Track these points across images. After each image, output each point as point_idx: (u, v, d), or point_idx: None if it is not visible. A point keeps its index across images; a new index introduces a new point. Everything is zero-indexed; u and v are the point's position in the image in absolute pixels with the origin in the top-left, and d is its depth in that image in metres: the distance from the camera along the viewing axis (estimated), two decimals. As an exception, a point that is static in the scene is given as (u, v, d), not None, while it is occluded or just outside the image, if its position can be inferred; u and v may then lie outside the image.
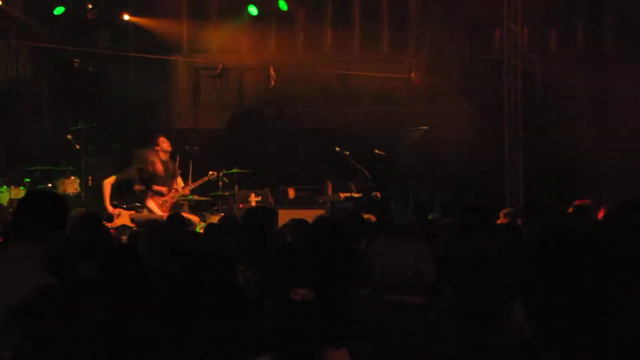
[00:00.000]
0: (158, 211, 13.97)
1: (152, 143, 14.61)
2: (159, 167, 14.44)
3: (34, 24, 17.50)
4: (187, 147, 15.91)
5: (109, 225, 13.29)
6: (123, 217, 13.64)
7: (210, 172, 14.97)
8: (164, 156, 14.60)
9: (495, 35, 18.81)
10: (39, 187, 15.38)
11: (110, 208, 13.60)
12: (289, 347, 4.30)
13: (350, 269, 5.11)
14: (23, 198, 4.55)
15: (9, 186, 14.93)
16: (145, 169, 13.99)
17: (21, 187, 14.93)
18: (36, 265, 4.17)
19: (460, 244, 7.17)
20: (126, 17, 18.47)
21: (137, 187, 13.95)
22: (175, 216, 10.54)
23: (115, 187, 13.97)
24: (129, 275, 5.20)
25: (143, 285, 5.14)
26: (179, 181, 14.75)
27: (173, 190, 14.53)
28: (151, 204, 14.03)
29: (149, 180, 14.02)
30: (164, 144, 14.64)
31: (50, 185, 15.50)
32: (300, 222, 7.89)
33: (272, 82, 18.14)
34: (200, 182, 14.90)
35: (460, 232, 7.50)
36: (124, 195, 13.83)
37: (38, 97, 18.17)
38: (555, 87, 18.57)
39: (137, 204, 13.95)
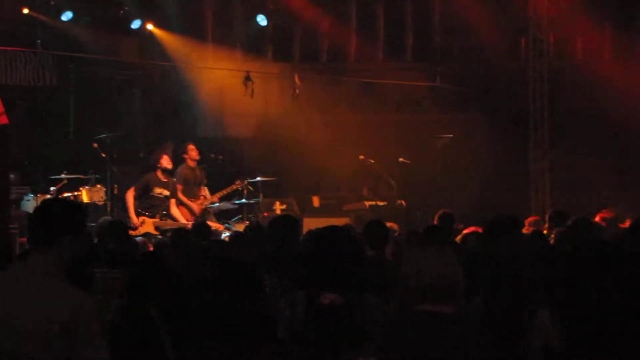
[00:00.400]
0: (182, 219, 13.99)
1: (182, 151, 14.64)
2: (187, 175, 14.47)
3: (60, 32, 17.59)
4: (212, 156, 15.94)
5: (133, 233, 13.30)
6: (147, 225, 13.65)
7: (237, 182, 14.97)
8: (191, 164, 14.63)
9: (521, 42, 18.75)
10: (64, 195, 15.46)
11: (134, 218, 13.62)
12: (314, 351, 4.30)
13: (366, 276, 5.11)
14: (37, 206, 4.57)
15: (35, 194, 14.99)
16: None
17: (47, 195, 14.99)
18: (52, 272, 4.17)
19: (487, 253, 7.13)
20: (150, 26, 18.54)
21: (157, 189, 13.90)
22: (201, 225, 10.56)
23: (138, 196, 13.95)
24: (157, 281, 5.21)
25: (172, 290, 5.17)
26: (206, 190, 14.75)
27: (201, 197, 14.55)
28: (175, 211, 14.04)
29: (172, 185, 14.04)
30: (193, 152, 14.67)
31: (76, 193, 15.56)
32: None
33: (297, 90, 18.13)
34: (226, 191, 14.91)
35: (487, 240, 7.47)
36: (147, 200, 13.80)
37: (64, 106, 18.26)
38: (582, 95, 18.48)
39: (163, 212, 13.94)
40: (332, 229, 5.45)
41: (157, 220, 13.73)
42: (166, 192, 13.83)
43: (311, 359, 4.19)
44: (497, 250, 6.94)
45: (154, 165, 14.16)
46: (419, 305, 4.30)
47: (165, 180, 13.90)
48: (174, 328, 4.94)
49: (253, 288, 4.86)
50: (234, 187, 14.94)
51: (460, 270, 4.45)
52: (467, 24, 18.92)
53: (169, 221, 13.91)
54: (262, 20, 18.65)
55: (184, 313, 5.12)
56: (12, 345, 3.99)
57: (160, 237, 13.30)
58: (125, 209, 14.87)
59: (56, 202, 4.77)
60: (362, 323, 4.79)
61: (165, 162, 14.25)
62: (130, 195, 13.87)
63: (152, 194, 13.74)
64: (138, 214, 13.68)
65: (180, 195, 14.41)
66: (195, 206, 14.38)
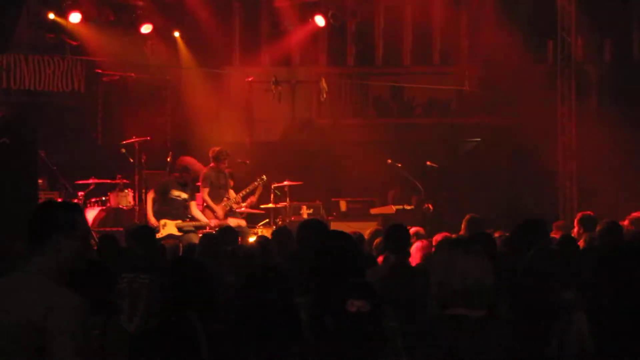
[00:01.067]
0: (203, 218, 14.00)
1: (216, 155, 14.68)
2: (212, 177, 14.49)
3: (88, 38, 17.68)
4: (239, 160, 15.94)
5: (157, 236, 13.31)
6: (169, 227, 13.63)
7: (259, 179, 14.94)
8: (218, 168, 14.64)
9: (549, 45, 18.65)
10: (92, 200, 15.54)
11: (153, 220, 13.58)
12: (344, 358, 4.30)
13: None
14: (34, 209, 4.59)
15: (63, 199, 15.07)
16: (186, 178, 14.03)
17: (75, 200, 15.06)
18: (44, 271, 4.19)
19: (516, 257, 7.10)
20: (176, 34, 18.62)
21: (174, 192, 13.90)
22: (227, 229, 10.56)
23: (159, 199, 13.93)
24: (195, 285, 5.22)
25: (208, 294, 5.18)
26: (231, 192, 14.76)
27: (224, 199, 14.57)
28: (196, 212, 14.06)
29: (191, 188, 14.03)
30: (222, 156, 14.70)
31: (104, 198, 15.63)
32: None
33: (324, 95, 18.13)
34: (248, 189, 14.88)
35: (516, 244, 7.44)
36: (166, 203, 13.78)
37: (92, 111, 18.35)
38: (610, 97, 18.37)
39: (187, 215, 13.95)
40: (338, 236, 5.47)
41: (179, 222, 13.72)
42: (184, 195, 13.82)
43: None
44: (526, 253, 6.92)
45: (174, 169, 14.19)
46: (451, 309, 4.30)
47: (182, 184, 13.87)
48: (209, 330, 4.97)
49: (282, 291, 4.86)
50: (255, 184, 14.91)
51: (493, 275, 4.45)
52: (494, 27, 18.87)
53: (190, 222, 13.89)
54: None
55: (218, 315, 5.15)
56: None
57: (182, 236, 13.38)
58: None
59: (47, 203, 4.75)
60: (393, 329, 4.80)
61: (185, 172, 14.38)
62: (149, 198, 13.91)
63: (170, 196, 13.73)
64: (160, 217, 13.65)
65: (206, 197, 14.43)
66: (219, 210, 14.39)
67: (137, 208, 15.31)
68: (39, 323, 3.99)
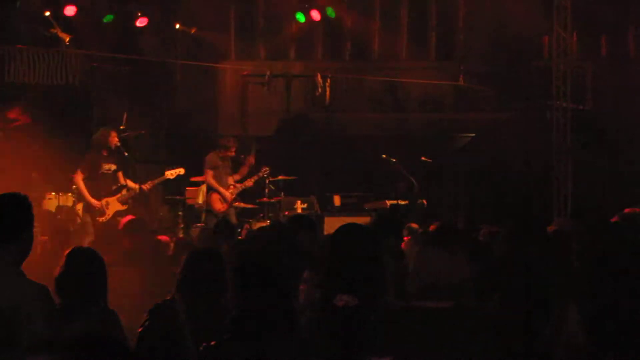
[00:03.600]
0: (134, 185, 13.65)
1: (224, 142, 14.69)
2: (216, 162, 14.53)
3: (84, 32, 17.64)
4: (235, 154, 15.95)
5: (102, 219, 13.20)
6: (113, 205, 13.44)
7: (264, 168, 15.00)
8: (223, 154, 14.67)
9: (545, 41, 18.63)
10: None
11: (95, 202, 13.31)
12: (333, 352, 4.30)
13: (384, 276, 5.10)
14: None
15: (57, 193, 15.04)
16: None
17: (69, 194, 15.03)
18: (9, 264, 4.31)
19: (511, 252, 7.11)
20: (176, 25, 18.60)
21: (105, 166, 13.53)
22: (224, 223, 10.56)
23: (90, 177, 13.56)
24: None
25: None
26: (231, 179, 14.78)
27: (231, 187, 14.62)
28: (128, 182, 13.67)
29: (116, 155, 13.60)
30: (233, 148, 14.74)
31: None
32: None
33: (320, 89, 18.13)
34: (255, 178, 14.93)
35: (512, 240, 7.44)
36: (97, 179, 13.37)
37: (86, 104, 18.32)
38: (606, 93, 18.36)
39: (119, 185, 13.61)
40: (351, 227, 5.42)
41: (118, 196, 13.51)
42: (113, 167, 13.57)
43: None
44: (520, 249, 6.94)
45: (98, 146, 13.70)
46: (420, 301, 4.35)
47: (109, 155, 13.53)
48: (199, 327, 4.96)
49: (279, 288, 4.85)
50: (261, 174, 14.98)
51: (468, 270, 4.48)
52: (490, 22, 18.86)
53: (124, 190, 13.60)
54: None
55: (210, 312, 5.13)
56: None
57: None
58: (146, 204, 14.96)
59: (12, 198, 4.82)
60: (379, 323, 4.79)
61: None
62: (79, 179, 13.53)
63: (101, 172, 13.43)
64: (99, 198, 13.38)
65: (212, 181, 14.46)
66: (228, 194, 14.45)
67: (131, 201, 15.26)
68: (10, 310, 4.14)
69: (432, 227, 9.90)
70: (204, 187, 14.61)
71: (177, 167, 14.25)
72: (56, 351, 3.25)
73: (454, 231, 7.82)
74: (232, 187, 14.61)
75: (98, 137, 13.63)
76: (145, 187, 13.68)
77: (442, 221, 9.76)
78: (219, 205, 14.45)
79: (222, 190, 14.45)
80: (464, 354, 4.38)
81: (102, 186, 13.34)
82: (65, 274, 5.39)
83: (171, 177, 14.13)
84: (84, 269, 5.44)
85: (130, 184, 13.70)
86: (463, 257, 4.46)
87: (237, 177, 14.88)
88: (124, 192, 13.52)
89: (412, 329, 4.36)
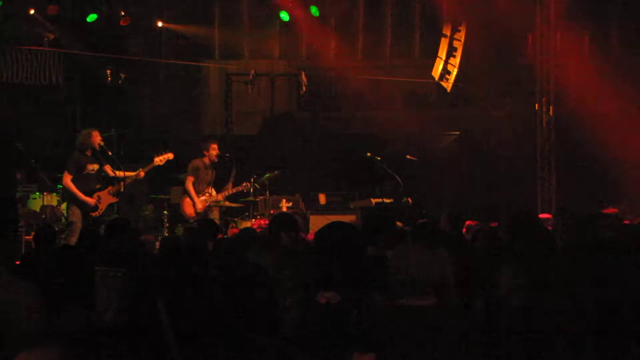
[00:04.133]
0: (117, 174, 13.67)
1: (203, 147, 14.62)
2: (200, 169, 14.46)
3: (66, 31, 17.62)
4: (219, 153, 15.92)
5: (96, 214, 13.20)
6: (105, 198, 13.44)
7: (245, 183, 14.95)
8: (208, 162, 14.59)
9: (528, 39, 18.69)
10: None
11: (88, 198, 13.32)
12: (316, 349, 4.32)
13: (372, 274, 5.11)
14: None
15: (41, 192, 15.02)
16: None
17: (53, 194, 15.01)
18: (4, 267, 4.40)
19: (508, 251, 7.16)
20: (160, 24, 18.55)
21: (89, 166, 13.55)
22: (207, 223, 10.55)
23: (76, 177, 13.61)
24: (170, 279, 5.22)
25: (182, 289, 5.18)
26: (213, 190, 14.74)
27: (206, 194, 14.55)
28: (115, 174, 13.74)
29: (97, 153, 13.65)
30: (214, 151, 14.62)
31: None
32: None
33: (304, 88, 18.14)
34: (232, 191, 14.88)
35: (508, 237, 7.48)
36: (82, 179, 13.44)
37: (71, 104, 18.29)
38: (588, 92, 18.42)
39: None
40: (337, 225, 5.43)
41: (109, 188, 13.52)
42: (97, 166, 13.57)
43: (309, 358, 4.22)
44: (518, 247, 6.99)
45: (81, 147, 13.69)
46: (403, 298, 4.39)
47: (93, 156, 13.57)
48: (180, 326, 4.95)
49: (261, 287, 4.86)
50: (240, 188, 14.92)
51: (450, 267, 4.52)
52: (474, 20, 18.89)
53: (113, 188, 13.65)
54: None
55: (190, 311, 5.13)
56: None
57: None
58: (131, 203, 14.94)
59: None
60: (363, 320, 4.81)
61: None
62: (68, 180, 13.57)
63: (85, 172, 13.44)
64: (90, 195, 13.39)
65: (190, 187, 14.39)
66: (199, 203, 14.38)
67: (115, 200, 15.24)
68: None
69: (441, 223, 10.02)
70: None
71: (166, 152, 14.20)
72: (49, 345, 3.26)
73: (435, 228, 7.85)
74: (207, 195, 14.55)
75: (81, 137, 13.62)
76: (138, 175, 13.67)
77: (450, 218, 9.81)
78: (189, 210, 14.39)
79: (195, 199, 14.39)
80: (444, 352, 4.41)
81: (88, 186, 13.33)
82: (50, 273, 5.39)
83: (160, 164, 14.09)
84: (69, 268, 5.43)
85: (120, 173, 13.65)
86: (444, 254, 4.49)
87: (217, 195, 14.76)
88: (109, 188, 13.52)
89: (394, 326, 4.39)
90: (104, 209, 13.26)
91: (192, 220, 13.70)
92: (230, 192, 14.83)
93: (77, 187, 13.20)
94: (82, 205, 13.21)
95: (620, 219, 10.70)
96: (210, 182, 14.65)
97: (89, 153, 13.43)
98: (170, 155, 14.15)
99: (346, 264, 4.91)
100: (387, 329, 4.42)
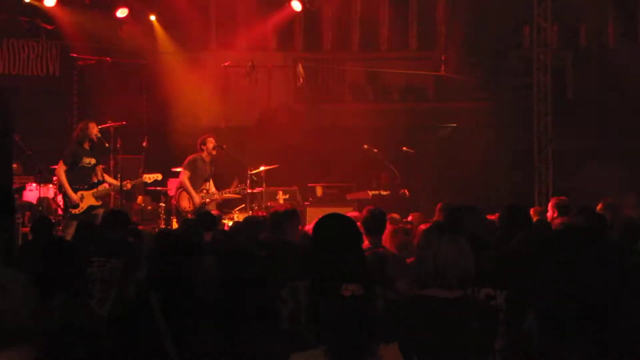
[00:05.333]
0: (114, 181, 13.77)
1: (200, 141, 14.61)
2: (197, 164, 14.47)
3: (64, 22, 17.59)
4: (216, 144, 15.92)
5: (76, 211, 13.25)
6: (87, 199, 13.51)
7: (241, 185, 14.96)
8: (206, 157, 14.58)
9: (525, 31, 18.70)
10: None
11: (74, 195, 13.40)
12: (341, 341, 4.34)
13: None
14: None
15: (38, 184, 15.00)
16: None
17: (50, 185, 14.98)
18: None
19: (498, 243, 7.17)
20: (152, 17, 18.52)
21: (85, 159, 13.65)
22: (205, 214, 10.56)
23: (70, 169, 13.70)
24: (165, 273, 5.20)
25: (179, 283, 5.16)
26: (211, 184, 14.74)
27: (203, 190, 14.54)
28: (107, 177, 13.86)
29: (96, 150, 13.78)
30: (211, 144, 14.61)
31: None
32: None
33: (301, 80, 18.12)
34: (230, 194, 14.91)
35: (504, 231, 7.49)
36: (77, 171, 13.53)
37: (67, 95, 18.27)
38: (586, 83, 18.45)
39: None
40: (337, 217, 5.44)
41: (94, 190, 13.59)
42: (93, 161, 13.65)
43: (338, 351, 4.24)
44: (508, 239, 7.01)
45: (79, 139, 13.77)
46: (427, 289, 4.42)
47: (91, 149, 13.67)
48: (175, 320, 4.93)
49: (257, 280, 4.86)
50: (237, 189, 14.96)
51: (473, 258, 4.55)
52: (471, 12, 18.90)
53: (105, 185, 13.75)
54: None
55: (186, 306, 5.12)
56: None
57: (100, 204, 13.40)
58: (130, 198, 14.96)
59: None
60: (385, 312, 4.86)
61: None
62: (61, 170, 13.60)
63: (81, 165, 13.52)
64: (74, 190, 13.45)
65: (186, 182, 14.38)
66: (197, 198, 14.38)
67: (112, 193, 15.25)
68: None
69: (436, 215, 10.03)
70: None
71: (156, 172, 14.39)
72: (38, 341, 3.26)
73: (459, 220, 7.87)
74: (205, 191, 14.56)
75: (78, 129, 13.65)
76: (125, 186, 13.78)
77: (444, 210, 9.82)
78: (185, 204, 14.38)
79: (192, 192, 14.39)
80: (469, 344, 4.43)
81: (80, 179, 13.38)
82: (41, 264, 5.38)
83: (148, 181, 14.23)
84: (60, 259, 5.42)
85: (111, 180, 13.78)
86: (467, 246, 4.55)
87: (215, 193, 14.78)
88: (100, 187, 13.57)
89: (420, 318, 4.42)
90: (84, 208, 13.31)
91: (188, 215, 13.70)
92: (229, 192, 14.84)
93: (70, 179, 13.27)
94: (65, 197, 13.31)
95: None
96: (208, 177, 14.65)
97: (86, 145, 13.46)
98: (159, 176, 14.37)
99: (353, 257, 4.95)
100: (413, 321, 4.45)
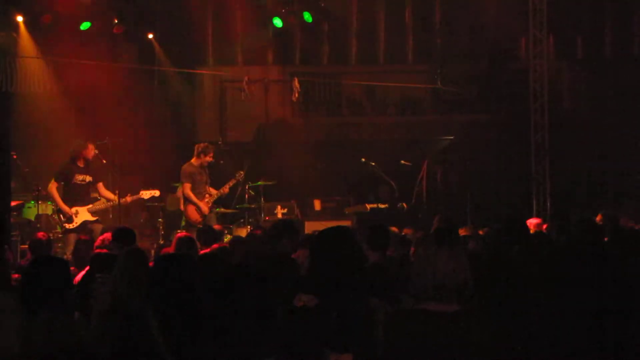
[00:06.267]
0: (113, 196, 13.91)
1: (202, 152, 14.63)
2: (193, 173, 14.50)
3: (60, 39, 17.58)
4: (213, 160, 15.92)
5: (70, 226, 13.37)
6: (82, 214, 13.63)
7: (238, 173, 14.98)
8: (200, 165, 14.62)
9: (521, 43, 18.73)
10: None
11: (67, 208, 13.55)
12: (293, 350, 4.35)
13: (357, 278, 5.14)
14: None
15: (36, 201, 14.98)
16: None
17: (48, 202, 14.96)
18: None
19: (494, 255, 7.17)
20: (150, 36, 18.53)
21: (78, 177, 13.81)
22: (206, 231, 10.58)
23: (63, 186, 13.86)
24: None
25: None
26: (211, 189, 14.78)
27: (207, 196, 14.59)
28: (105, 192, 13.98)
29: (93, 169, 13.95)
30: (210, 158, 14.66)
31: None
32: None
33: (297, 94, 18.13)
34: (228, 185, 14.91)
35: (497, 243, 7.50)
36: (70, 189, 13.69)
37: (64, 112, 18.24)
38: (582, 95, 18.47)
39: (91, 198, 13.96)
40: (335, 230, 5.46)
41: (89, 206, 13.73)
42: (88, 178, 13.82)
43: (290, 358, 4.28)
44: (504, 252, 7.01)
45: (73, 156, 13.94)
46: (424, 303, 4.41)
47: (85, 167, 13.83)
48: (173, 333, 4.93)
49: (257, 294, 4.86)
50: (234, 180, 14.95)
51: (469, 271, 4.55)
52: (467, 25, 18.93)
53: (102, 202, 13.89)
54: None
55: (185, 318, 5.11)
56: None
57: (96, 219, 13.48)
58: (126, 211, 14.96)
59: None
60: (344, 322, 4.86)
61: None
62: (52, 187, 13.73)
63: (74, 182, 13.69)
64: (69, 205, 13.61)
65: (189, 193, 14.41)
66: (203, 205, 14.42)
67: (111, 209, 15.24)
68: None
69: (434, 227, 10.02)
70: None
71: (154, 188, 14.45)
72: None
73: (455, 232, 7.88)
74: (208, 196, 14.59)
75: (74, 148, 13.82)
76: (124, 201, 13.84)
77: (442, 222, 9.83)
78: (195, 216, 14.43)
79: (198, 202, 14.42)
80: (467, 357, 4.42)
81: (73, 196, 13.52)
82: (29, 282, 5.38)
83: (145, 197, 14.31)
84: (44, 276, 5.41)
85: (109, 195, 13.87)
86: (465, 259, 4.53)
87: (216, 192, 14.81)
88: (97, 203, 13.68)
89: (417, 333, 4.40)
90: (78, 223, 13.43)
91: (199, 226, 13.73)
92: (229, 185, 14.85)
93: (64, 195, 13.42)
94: (60, 212, 13.37)
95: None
96: (207, 182, 14.70)
97: (80, 164, 13.60)
98: (157, 193, 14.51)
99: (343, 267, 4.95)
100: (408, 334, 4.43)
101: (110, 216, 14.62)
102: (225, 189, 14.87)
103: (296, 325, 4.45)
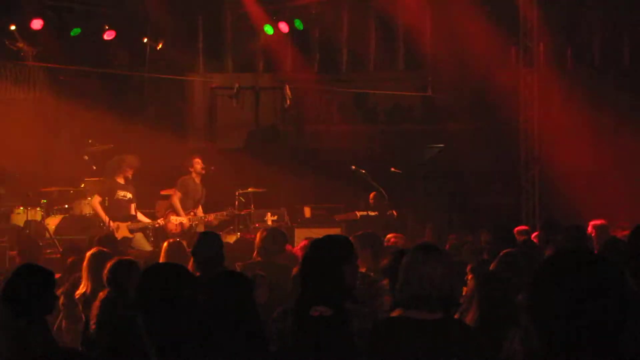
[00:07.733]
0: (146, 219, 14.12)
1: (187, 163, 14.61)
2: (188, 186, 14.47)
3: (51, 45, 17.56)
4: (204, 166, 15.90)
5: None
6: (122, 230, 13.69)
7: (230, 209, 15.01)
8: (197, 178, 14.58)
9: (512, 51, 18.76)
10: (55, 207, 15.41)
11: (107, 221, 13.63)
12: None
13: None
14: None
15: (25, 207, 14.94)
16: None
17: (38, 208, 14.93)
18: None
19: (485, 263, 7.18)
20: (145, 40, 18.52)
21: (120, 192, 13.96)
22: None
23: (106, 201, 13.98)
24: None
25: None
26: (200, 210, 14.74)
27: (191, 213, 14.52)
28: (139, 215, 14.18)
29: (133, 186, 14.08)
30: (198, 165, 14.58)
31: (66, 206, 15.51)
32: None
33: (288, 101, 18.13)
34: (220, 217, 14.92)
35: (490, 250, 7.51)
36: (113, 203, 13.82)
37: (54, 118, 18.23)
38: (573, 103, 18.50)
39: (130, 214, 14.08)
40: (329, 238, 5.47)
41: (128, 223, 13.81)
42: (129, 195, 13.90)
43: None
44: (494, 260, 7.01)
45: (115, 172, 14.07)
46: (409, 311, 4.40)
47: (126, 184, 13.92)
48: (162, 339, 4.91)
49: (246, 302, 4.85)
50: (226, 214, 15.00)
51: (457, 280, 4.55)
52: (458, 33, 18.95)
53: (138, 223, 13.99)
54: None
55: (174, 325, 5.09)
56: None
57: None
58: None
59: None
60: (354, 332, 4.85)
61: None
62: (96, 202, 13.81)
63: (117, 197, 13.76)
64: (113, 220, 13.70)
65: (177, 203, 14.37)
66: (185, 220, 14.37)
67: (131, 235, 15.20)
68: None
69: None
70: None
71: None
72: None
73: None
74: (192, 213, 14.55)
75: (112, 163, 13.97)
76: (157, 223, 14.16)
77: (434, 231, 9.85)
78: (172, 227, 14.38)
79: (181, 213, 14.40)
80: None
81: (119, 212, 13.70)
82: (11, 290, 5.37)
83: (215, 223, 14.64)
84: (29, 286, 5.41)
85: (144, 218, 14.09)
86: (452, 268, 4.53)
87: (203, 216, 14.80)
88: (129, 223, 13.79)
89: (401, 340, 4.40)
90: (119, 238, 13.44)
91: (176, 237, 13.71)
92: (215, 215, 14.83)
93: (108, 211, 13.62)
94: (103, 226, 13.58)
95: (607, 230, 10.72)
96: (200, 200, 14.65)
97: (121, 180, 13.70)
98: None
99: (336, 277, 4.95)
100: (393, 343, 4.43)
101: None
102: (210, 217, 14.81)
103: (311, 335, 4.45)
